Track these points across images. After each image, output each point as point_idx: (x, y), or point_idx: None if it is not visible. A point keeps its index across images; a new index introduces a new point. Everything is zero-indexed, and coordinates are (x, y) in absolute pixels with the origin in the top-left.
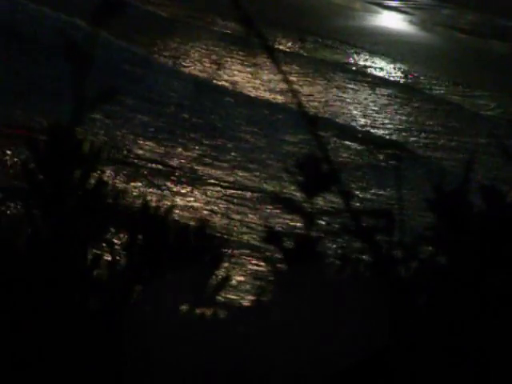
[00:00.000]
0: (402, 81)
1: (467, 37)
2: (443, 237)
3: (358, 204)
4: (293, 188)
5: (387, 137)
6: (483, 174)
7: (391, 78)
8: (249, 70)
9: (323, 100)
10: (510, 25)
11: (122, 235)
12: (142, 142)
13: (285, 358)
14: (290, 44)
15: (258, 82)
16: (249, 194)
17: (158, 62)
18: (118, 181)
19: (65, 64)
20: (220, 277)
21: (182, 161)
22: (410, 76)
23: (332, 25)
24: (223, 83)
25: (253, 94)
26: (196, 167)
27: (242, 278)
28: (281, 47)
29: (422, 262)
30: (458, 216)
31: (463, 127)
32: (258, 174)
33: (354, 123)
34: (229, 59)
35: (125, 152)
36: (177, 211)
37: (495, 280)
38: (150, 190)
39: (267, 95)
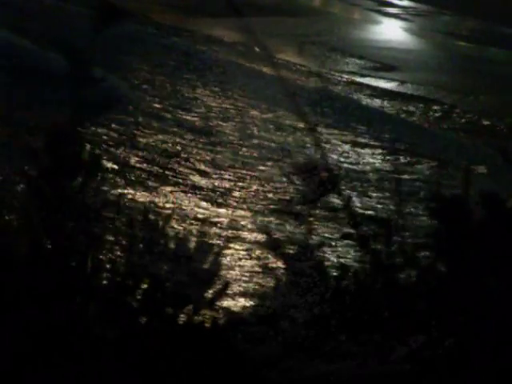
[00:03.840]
0: (398, 88)
1: (466, 44)
2: (443, 243)
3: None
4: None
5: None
6: (483, 180)
7: (388, 85)
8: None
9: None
10: (509, 32)
11: (121, 242)
12: None
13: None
14: (289, 51)
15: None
16: None
17: None
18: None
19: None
20: (220, 283)
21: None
22: (406, 83)
23: (332, 33)
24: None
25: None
26: None
27: None
28: (280, 55)
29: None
30: (458, 222)
31: (460, 133)
32: None
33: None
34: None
35: None
36: None
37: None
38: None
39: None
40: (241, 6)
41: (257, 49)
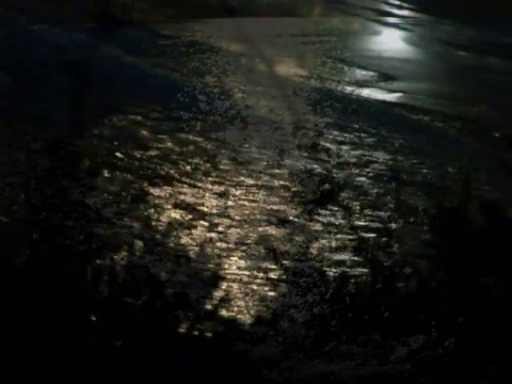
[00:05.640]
0: (399, 98)
1: (466, 53)
2: (443, 252)
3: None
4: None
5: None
6: (482, 189)
7: (388, 96)
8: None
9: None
10: (509, 41)
11: (121, 252)
12: None
13: None
14: (286, 61)
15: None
16: None
17: None
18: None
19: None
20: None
21: None
22: (407, 93)
23: (331, 42)
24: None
25: None
26: None
27: None
28: (277, 63)
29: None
30: (458, 231)
31: (463, 142)
32: None
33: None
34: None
35: None
36: None
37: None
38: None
39: None
40: (239, 14)
41: (257, 59)
